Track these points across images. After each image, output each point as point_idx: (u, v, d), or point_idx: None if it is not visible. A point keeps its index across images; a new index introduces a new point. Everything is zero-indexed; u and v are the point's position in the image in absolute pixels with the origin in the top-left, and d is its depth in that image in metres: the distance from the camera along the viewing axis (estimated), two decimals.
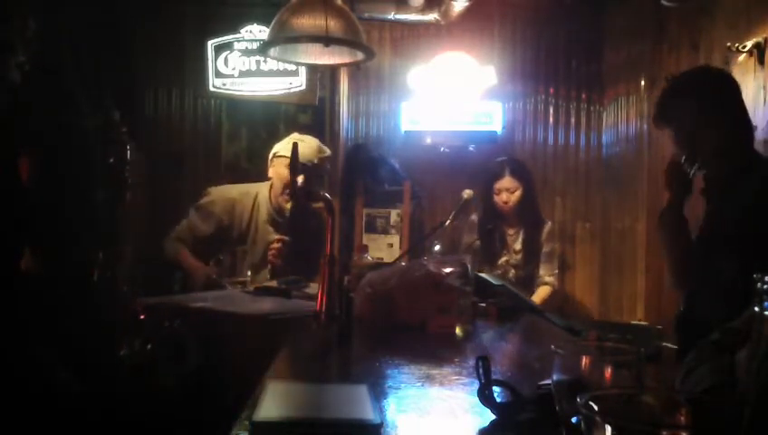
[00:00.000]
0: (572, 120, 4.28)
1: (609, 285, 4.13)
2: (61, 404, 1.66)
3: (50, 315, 1.74)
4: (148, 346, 1.84)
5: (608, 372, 0.70)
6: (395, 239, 3.04)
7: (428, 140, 4.12)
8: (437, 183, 4.05)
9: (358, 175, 3.04)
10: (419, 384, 1.20)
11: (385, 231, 3.07)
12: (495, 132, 4.09)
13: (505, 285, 2.30)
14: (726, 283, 1.71)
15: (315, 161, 2.78)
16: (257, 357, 1.34)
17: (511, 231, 3.55)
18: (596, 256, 4.23)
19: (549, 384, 0.75)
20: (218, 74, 4.07)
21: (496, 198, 3.48)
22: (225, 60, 4.07)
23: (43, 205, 1.83)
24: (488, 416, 0.96)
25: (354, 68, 3.91)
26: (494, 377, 1.00)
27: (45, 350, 1.69)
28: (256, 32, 4.04)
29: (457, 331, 1.70)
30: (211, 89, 4.09)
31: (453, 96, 4.06)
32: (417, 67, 4.07)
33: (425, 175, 3.98)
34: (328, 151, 2.93)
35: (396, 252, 2.90)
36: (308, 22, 2.20)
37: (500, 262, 3.50)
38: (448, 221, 2.57)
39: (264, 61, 4.02)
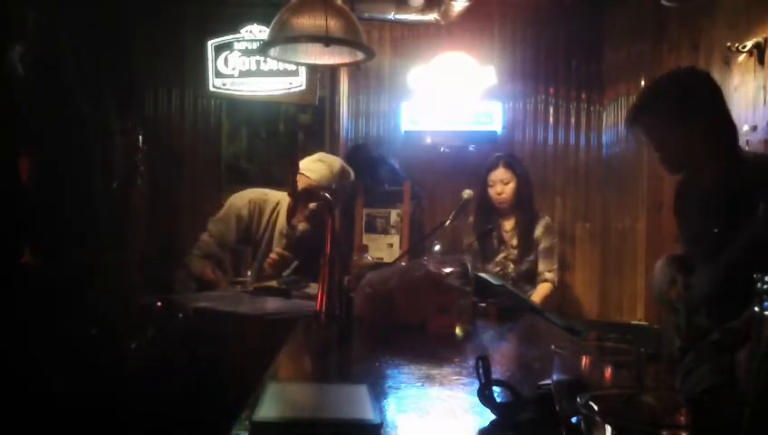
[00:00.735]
0: (572, 120, 4.28)
1: (609, 285, 4.13)
2: (60, 404, 1.66)
3: (50, 314, 1.74)
4: (161, 338, 1.84)
5: (608, 372, 0.70)
6: (395, 239, 3.04)
7: (428, 140, 4.12)
8: (437, 183, 4.05)
9: (358, 175, 3.03)
10: (419, 384, 1.20)
11: (385, 231, 3.07)
12: (495, 132, 4.09)
13: (505, 285, 2.30)
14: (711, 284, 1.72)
15: (333, 186, 2.70)
16: (257, 357, 1.34)
17: (507, 227, 3.57)
18: (596, 256, 4.23)
19: (549, 384, 0.75)
20: (218, 74, 4.07)
21: (490, 190, 3.51)
22: (225, 60, 4.07)
23: (43, 204, 1.83)
24: (488, 416, 0.96)
25: (354, 68, 3.91)
26: (494, 377, 1.00)
27: (45, 350, 1.69)
28: (256, 32, 4.04)
29: (457, 331, 1.70)
30: (211, 89, 4.09)
31: (453, 96, 4.06)
32: (417, 67, 4.07)
33: (425, 175, 3.98)
34: (352, 175, 2.85)
35: (396, 252, 2.89)
36: (308, 22, 2.20)
37: (498, 258, 3.51)
38: (448, 221, 2.57)
39: (264, 61, 4.02)
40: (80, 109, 1.97)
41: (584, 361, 0.71)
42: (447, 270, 1.77)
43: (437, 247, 2.66)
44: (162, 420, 1.75)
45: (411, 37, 4.27)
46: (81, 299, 1.91)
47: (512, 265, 3.51)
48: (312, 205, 2.74)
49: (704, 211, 1.87)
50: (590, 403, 0.55)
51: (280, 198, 2.92)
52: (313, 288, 2.26)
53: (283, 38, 2.31)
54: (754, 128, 2.60)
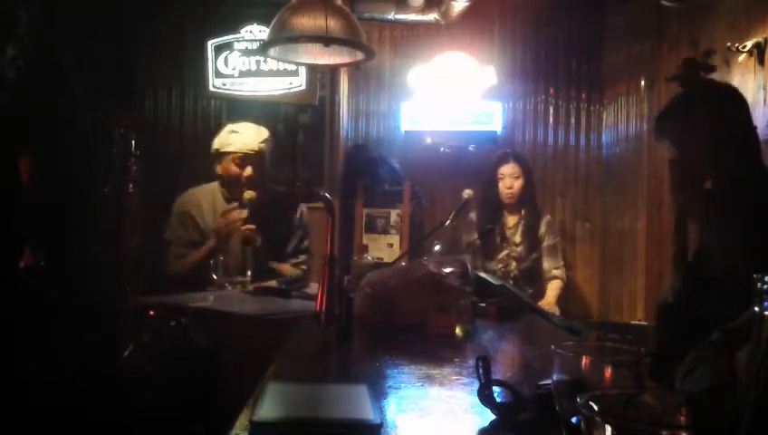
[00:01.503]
0: (572, 120, 4.29)
1: (609, 285, 4.13)
2: (60, 403, 1.66)
3: (50, 314, 1.74)
4: (155, 344, 1.84)
5: (608, 372, 0.70)
6: (395, 239, 3.04)
7: (428, 140, 4.12)
8: (437, 183, 4.05)
9: (358, 175, 3.03)
10: (419, 384, 1.20)
11: (385, 231, 3.07)
12: (495, 132, 4.09)
13: (505, 285, 2.30)
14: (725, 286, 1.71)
15: (256, 148, 2.81)
16: (257, 357, 1.34)
17: (510, 224, 3.57)
18: (596, 256, 4.23)
19: (549, 384, 0.75)
20: (218, 74, 4.07)
21: (500, 184, 3.52)
22: (225, 60, 4.07)
23: (43, 204, 1.83)
24: (488, 416, 0.96)
25: (354, 68, 3.91)
26: (494, 377, 1.00)
27: (44, 349, 1.69)
28: (256, 32, 4.04)
29: (457, 331, 1.70)
30: (211, 89, 4.09)
31: (453, 96, 4.06)
32: (417, 67, 4.07)
33: (425, 175, 3.97)
34: (266, 133, 2.92)
35: (396, 252, 2.89)
36: (308, 22, 2.20)
37: (501, 256, 3.51)
38: (448, 221, 2.57)
39: (264, 61, 4.02)
40: (79, 108, 1.97)
41: (584, 361, 0.71)
42: (447, 270, 1.77)
43: (437, 247, 2.66)
44: (162, 420, 1.75)
45: (411, 37, 4.27)
46: (83, 297, 1.91)
47: (514, 263, 3.51)
48: (246, 172, 2.81)
49: (723, 221, 1.87)
50: (590, 403, 0.54)
51: (211, 189, 2.94)
52: (313, 288, 2.26)
53: (283, 38, 2.32)
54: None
